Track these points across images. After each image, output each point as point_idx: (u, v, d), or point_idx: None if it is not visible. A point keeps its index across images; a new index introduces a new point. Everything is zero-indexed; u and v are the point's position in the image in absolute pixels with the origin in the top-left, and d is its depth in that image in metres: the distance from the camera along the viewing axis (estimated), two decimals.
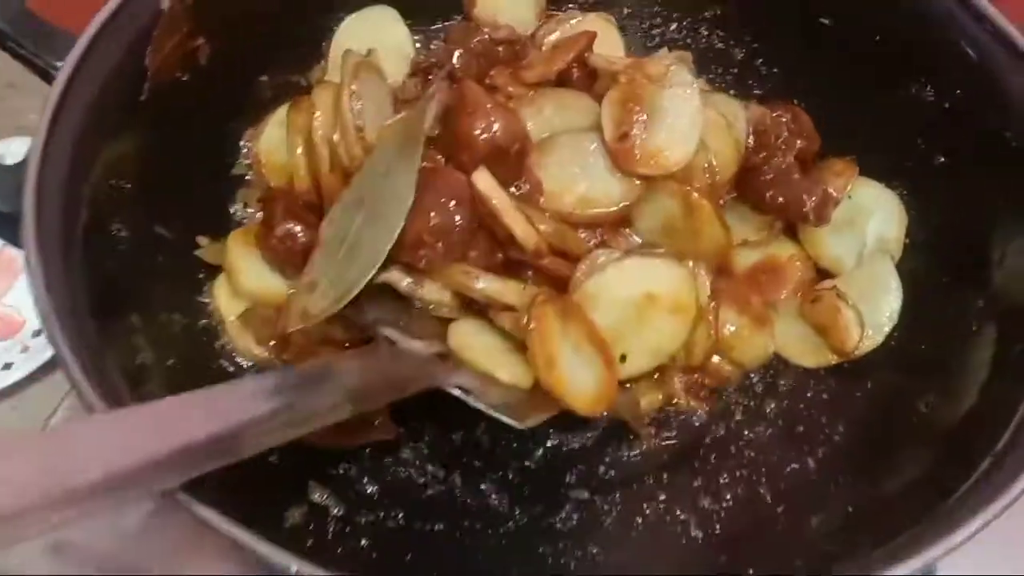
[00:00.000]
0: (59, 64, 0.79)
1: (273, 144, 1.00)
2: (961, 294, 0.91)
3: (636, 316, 0.84)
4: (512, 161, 0.89)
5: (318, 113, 0.93)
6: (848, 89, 1.05)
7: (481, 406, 0.82)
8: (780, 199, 0.97)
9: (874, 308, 0.94)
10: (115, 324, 0.77)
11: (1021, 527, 0.88)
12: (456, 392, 0.82)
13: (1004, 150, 0.89)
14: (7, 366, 1.12)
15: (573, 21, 1.10)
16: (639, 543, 0.86)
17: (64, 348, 0.66)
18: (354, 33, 1.06)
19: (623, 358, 0.84)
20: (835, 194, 0.98)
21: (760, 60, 1.15)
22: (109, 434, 0.58)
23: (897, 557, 0.61)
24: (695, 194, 0.88)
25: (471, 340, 0.84)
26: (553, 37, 1.09)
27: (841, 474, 0.86)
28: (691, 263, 0.89)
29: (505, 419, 0.82)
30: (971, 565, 0.87)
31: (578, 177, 0.90)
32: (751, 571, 0.77)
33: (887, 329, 0.93)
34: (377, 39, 1.05)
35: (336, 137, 0.91)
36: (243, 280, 0.93)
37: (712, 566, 0.82)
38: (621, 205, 0.90)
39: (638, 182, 0.89)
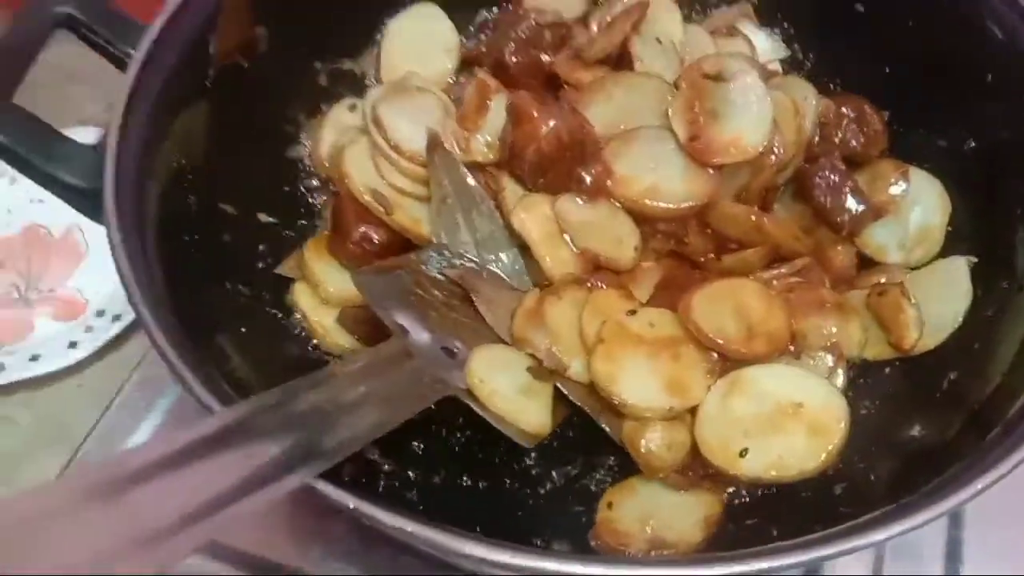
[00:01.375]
0: (132, 51, 0.85)
1: (331, 150, 1.03)
2: (989, 277, 0.93)
3: (775, 418, 0.84)
4: (577, 155, 0.96)
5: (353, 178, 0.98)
6: (891, 78, 1.07)
7: (488, 417, 0.82)
8: (822, 200, 0.98)
9: (940, 309, 0.93)
10: (188, 297, 0.81)
11: None
12: (468, 401, 0.82)
13: None
14: (72, 344, 1.18)
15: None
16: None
17: (154, 328, 0.71)
18: (401, 34, 1.12)
19: (744, 452, 0.83)
20: (877, 212, 0.99)
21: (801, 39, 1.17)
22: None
23: (915, 509, 0.64)
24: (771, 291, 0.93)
25: (493, 373, 0.85)
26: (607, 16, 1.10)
27: (865, 447, 0.87)
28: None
29: (509, 434, 0.83)
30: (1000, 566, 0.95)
31: (651, 170, 0.95)
32: (775, 531, 0.79)
33: (948, 332, 0.92)
34: (422, 37, 1.11)
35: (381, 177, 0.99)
36: (329, 290, 0.97)
37: (741, 527, 0.86)
38: (688, 204, 0.95)
39: (706, 183, 0.95)
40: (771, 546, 0.65)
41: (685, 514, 0.87)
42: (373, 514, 0.62)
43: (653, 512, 0.88)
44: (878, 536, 0.65)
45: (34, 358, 1.19)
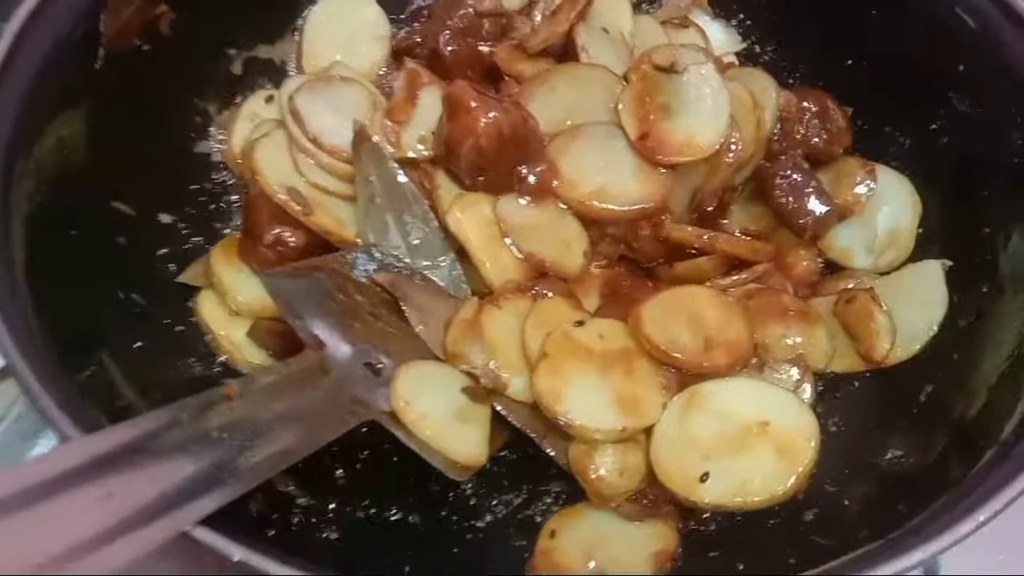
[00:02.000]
0: (2, 25, 0.75)
1: (244, 144, 0.95)
2: (966, 281, 0.87)
3: (739, 438, 0.77)
4: (519, 151, 0.88)
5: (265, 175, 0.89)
6: (854, 71, 1.02)
7: (414, 445, 0.75)
8: (783, 202, 0.93)
9: (913, 317, 0.88)
10: (68, 307, 0.72)
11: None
12: (390, 428, 0.75)
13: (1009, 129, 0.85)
14: None
15: None
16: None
17: (5, 336, 0.61)
18: (325, 20, 1.04)
19: (705, 476, 0.76)
20: (842, 213, 0.94)
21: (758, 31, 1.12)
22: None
23: (897, 550, 0.56)
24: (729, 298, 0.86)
25: (422, 394, 0.77)
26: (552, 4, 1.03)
27: (836, 468, 0.81)
28: None
29: (437, 465, 0.76)
30: (975, 565, 0.86)
31: (601, 169, 0.89)
32: (741, 567, 0.73)
33: (923, 342, 0.87)
34: (349, 24, 1.04)
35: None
36: (238, 299, 0.89)
37: (703, 560, 0.78)
38: (639, 207, 0.88)
39: (658, 184, 0.88)
40: None
41: (635, 547, 0.79)
42: (263, 568, 0.51)
43: (600, 544, 0.80)
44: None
45: None
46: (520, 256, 0.88)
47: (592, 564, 0.78)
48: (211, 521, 0.55)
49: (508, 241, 0.88)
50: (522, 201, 0.89)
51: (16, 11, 0.75)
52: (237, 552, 0.51)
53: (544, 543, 0.80)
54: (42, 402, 0.57)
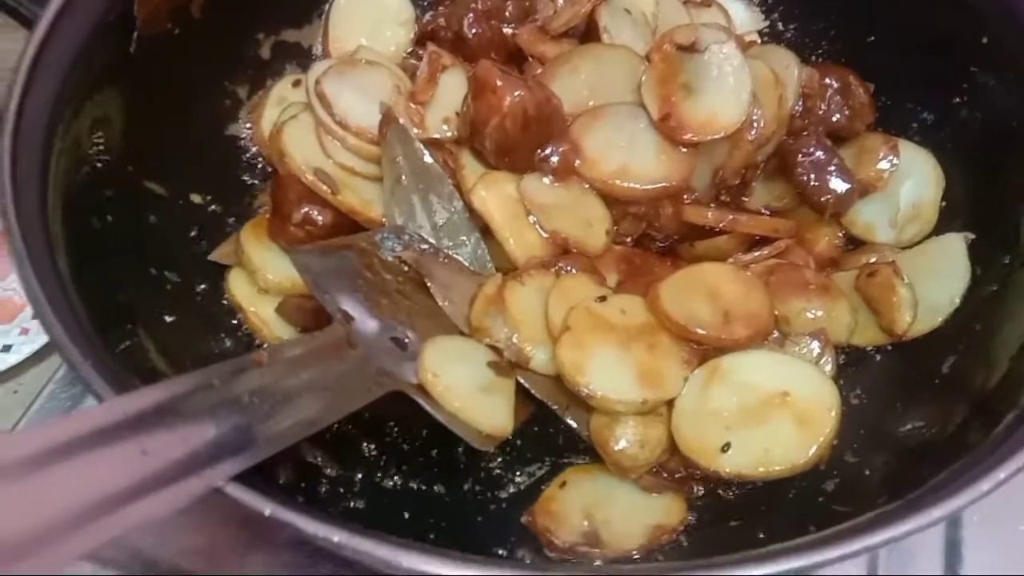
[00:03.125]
0: (40, 11, 0.77)
1: (274, 127, 0.96)
2: (988, 253, 0.87)
3: (760, 409, 0.78)
4: (543, 130, 0.89)
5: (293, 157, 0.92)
6: (877, 47, 1.02)
7: (440, 417, 0.76)
8: (804, 180, 0.93)
9: (936, 290, 0.88)
10: (103, 282, 0.74)
11: None
12: (417, 398, 0.76)
13: None
14: (6, 348, 1.11)
15: None
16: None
17: (45, 306, 0.63)
18: (351, 4, 1.06)
19: (726, 447, 0.77)
20: (864, 189, 0.94)
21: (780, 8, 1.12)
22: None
23: (916, 508, 0.56)
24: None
25: (448, 367, 0.78)
26: None
27: (858, 439, 0.81)
28: None
29: (464, 436, 0.77)
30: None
31: (622, 149, 0.90)
32: (761, 535, 0.73)
33: (945, 315, 0.87)
34: (374, 9, 1.05)
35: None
36: (268, 277, 0.91)
37: (722, 529, 0.79)
38: (662, 185, 0.89)
39: (681, 162, 0.89)
40: (757, 551, 0.57)
41: (636, 515, 0.81)
42: (291, 521, 0.54)
43: (603, 504, 0.82)
44: (875, 539, 0.57)
45: None
46: (544, 234, 0.89)
47: (585, 523, 0.80)
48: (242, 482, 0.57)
49: (532, 219, 0.89)
50: (546, 180, 0.90)
51: None
52: (267, 507, 0.53)
53: (550, 491, 0.82)
54: (83, 371, 0.59)
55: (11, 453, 0.47)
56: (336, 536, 0.53)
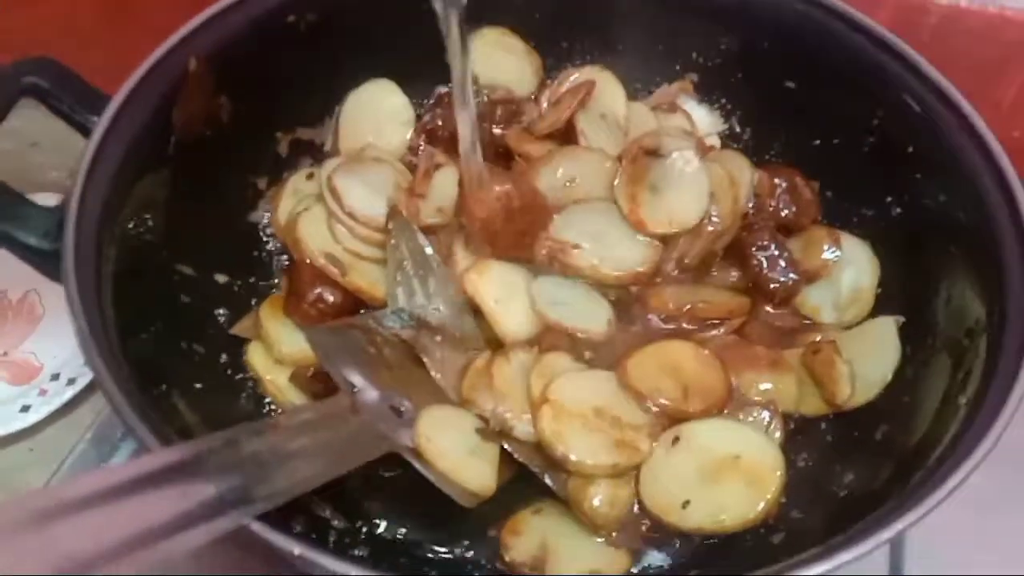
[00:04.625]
0: (95, 119, 0.88)
1: (288, 216, 1.06)
2: (915, 334, 0.97)
3: (715, 471, 0.86)
4: (528, 220, 1.01)
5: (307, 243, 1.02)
6: (821, 149, 1.12)
7: (430, 476, 0.83)
8: (757, 269, 1.03)
9: (871, 367, 0.96)
10: (143, 353, 0.83)
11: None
12: (410, 459, 0.83)
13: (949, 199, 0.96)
14: (25, 408, 1.17)
15: (573, 77, 1.18)
16: None
17: (105, 376, 0.73)
18: (358, 107, 1.16)
19: (686, 503, 0.86)
20: (811, 277, 1.04)
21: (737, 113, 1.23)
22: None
23: (852, 541, 0.67)
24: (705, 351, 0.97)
25: (440, 433, 0.86)
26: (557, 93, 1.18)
27: (803, 498, 0.90)
28: None
29: (450, 493, 0.84)
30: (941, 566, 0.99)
31: (601, 239, 1.02)
32: None
33: (878, 389, 0.95)
34: (378, 111, 1.15)
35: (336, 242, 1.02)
36: (283, 349, 0.98)
37: None
38: (632, 271, 1.02)
39: (650, 251, 1.02)
40: None
41: (582, 555, 0.90)
42: (318, 560, 0.63)
43: (560, 537, 0.91)
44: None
45: None
46: (550, 321, 0.98)
47: (538, 549, 0.89)
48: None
49: (540, 308, 0.98)
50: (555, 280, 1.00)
51: (106, 108, 0.88)
52: (297, 547, 0.63)
53: (523, 513, 0.92)
54: (131, 422, 0.69)
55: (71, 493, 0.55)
56: (353, 571, 0.62)
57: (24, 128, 1.44)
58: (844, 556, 0.67)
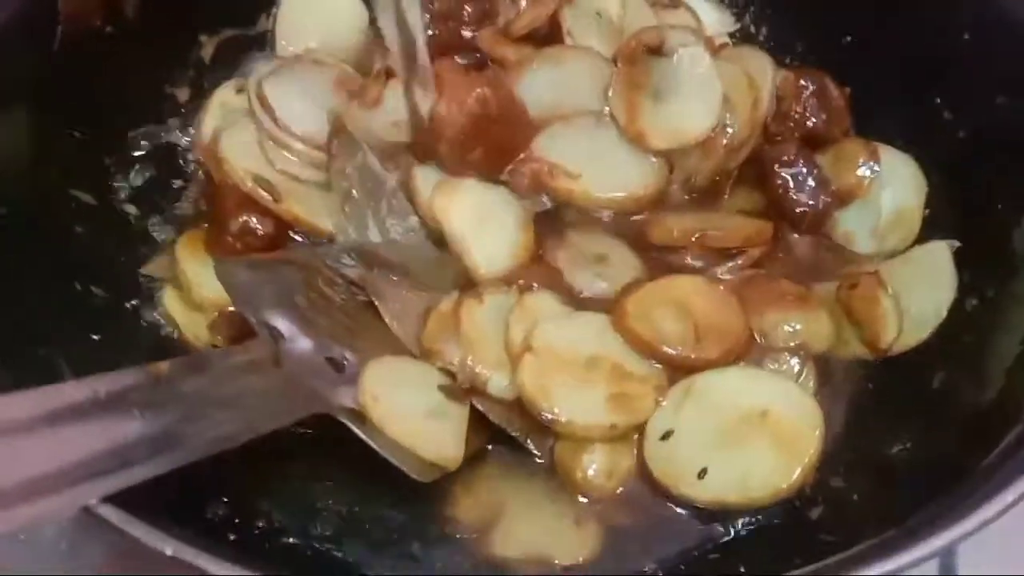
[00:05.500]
0: None
1: (214, 135, 0.93)
2: (976, 260, 0.84)
3: (737, 431, 0.75)
4: (507, 130, 0.89)
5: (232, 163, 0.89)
6: (853, 48, 1.00)
7: (375, 445, 0.72)
8: (781, 191, 0.92)
9: (921, 301, 0.84)
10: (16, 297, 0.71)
11: None
12: (348, 423, 0.72)
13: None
14: None
15: None
16: None
17: None
18: (299, 5, 1.03)
19: (703, 472, 0.74)
20: (843, 199, 0.92)
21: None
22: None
23: (912, 539, 0.52)
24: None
25: (392, 389, 0.75)
26: None
27: (843, 462, 0.78)
28: None
29: (402, 466, 0.73)
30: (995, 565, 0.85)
31: (592, 159, 0.90)
32: (742, 569, 0.69)
33: (932, 326, 0.83)
34: (325, 10, 1.02)
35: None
36: (204, 292, 0.87)
37: (703, 563, 0.75)
38: (629, 195, 0.90)
39: (651, 170, 0.90)
40: None
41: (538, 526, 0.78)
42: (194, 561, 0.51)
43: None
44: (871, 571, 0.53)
45: None
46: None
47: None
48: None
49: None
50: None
51: None
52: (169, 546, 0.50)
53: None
54: None
55: None
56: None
57: None
58: (905, 557, 0.52)
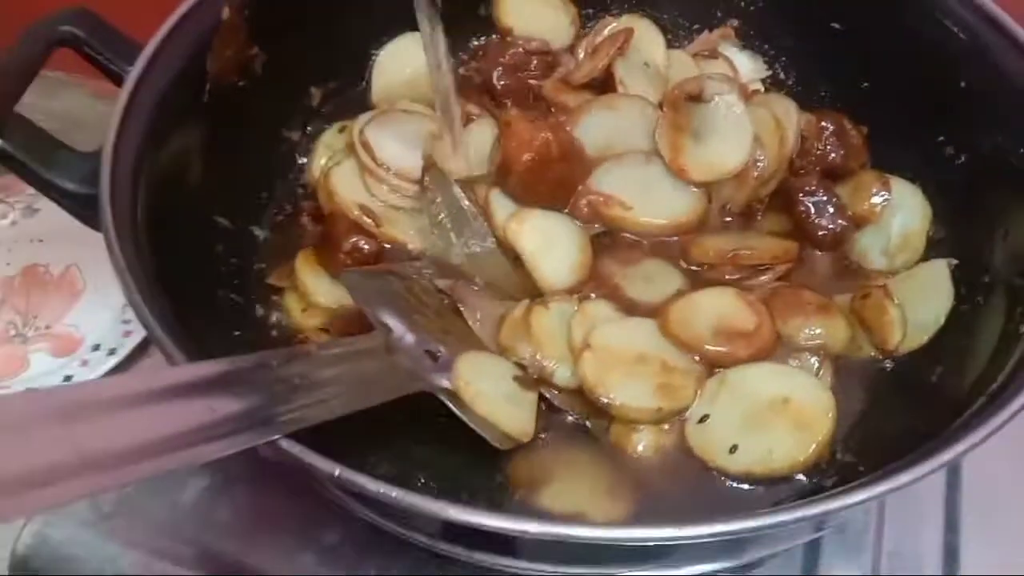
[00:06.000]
0: (129, 69, 0.88)
1: (324, 172, 1.06)
2: (970, 274, 0.94)
3: (763, 415, 0.85)
4: (567, 169, 1.01)
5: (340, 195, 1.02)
6: (869, 92, 1.10)
7: (465, 418, 0.82)
8: (805, 215, 1.02)
9: (923, 310, 0.94)
10: (180, 298, 0.82)
11: None
12: (446, 400, 0.82)
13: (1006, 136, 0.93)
14: (67, 379, 1.20)
15: (610, 26, 1.17)
16: None
17: (142, 307, 0.73)
18: (393, 61, 1.16)
19: (734, 448, 0.84)
20: (859, 223, 1.02)
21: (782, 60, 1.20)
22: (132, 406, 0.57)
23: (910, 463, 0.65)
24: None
25: (479, 377, 0.85)
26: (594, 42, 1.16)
27: (855, 442, 0.88)
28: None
29: (486, 436, 0.83)
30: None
31: (642, 190, 1.01)
32: None
33: (931, 332, 0.93)
34: (413, 63, 1.13)
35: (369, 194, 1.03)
36: (319, 299, 0.98)
37: None
38: (675, 221, 1.01)
39: (693, 199, 1.01)
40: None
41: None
42: (356, 480, 0.63)
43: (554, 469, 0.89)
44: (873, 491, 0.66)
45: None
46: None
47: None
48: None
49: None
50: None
51: (139, 56, 0.88)
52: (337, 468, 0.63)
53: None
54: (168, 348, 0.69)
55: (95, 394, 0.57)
56: (393, 492, 0.62)
57: (66, 109, 1.48)
58: (903, 478, 0.65)
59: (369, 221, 1.01)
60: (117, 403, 0.55)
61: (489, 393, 0.85)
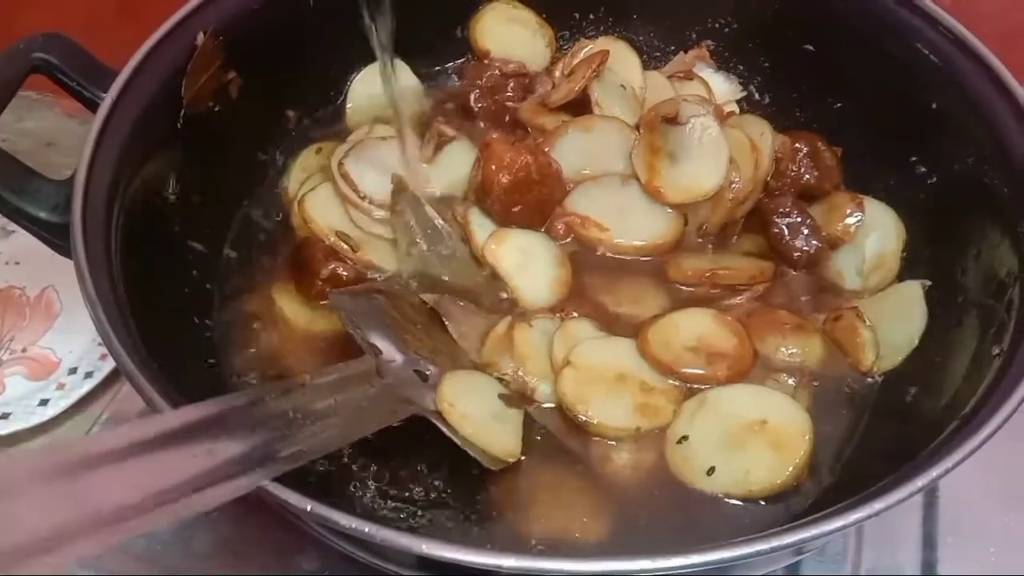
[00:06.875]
0: (103, 95, 0.87)
1: (300, 198, 1.06)
2: (944, 296, 0.95)
3: (741, 436, 0.85)
4: (546, 190, 1.02)
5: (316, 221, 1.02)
6: (843, 113, 1.11)
7: (456, 439, 0.82)
8: (779, 236, 1.02)
9: (897, 331, 0.94)
10: (154, 327, 0.82)
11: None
12: (436, 422, 0.83)
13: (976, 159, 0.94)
14: (43, 402, 1.17)
15: (586, 48, 1.18)
16: None
17: (116, 344, 0.72)
18: (366, 86, 1.16)
19: (711, 470, 0.84)
20: (833, 244, 1.03)
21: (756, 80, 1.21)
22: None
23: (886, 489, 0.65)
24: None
25: (464, 398, 0.85)
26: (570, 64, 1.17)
27: (835, 462, 0.89)
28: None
29: (476, 456, 0.83)
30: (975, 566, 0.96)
31: (619, 211, 1.03)
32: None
33: (905, 352, 0.93)
34: None
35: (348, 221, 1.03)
36: (299, 325, 0.99)
37: None
38: (653, 243, 1.02)
39: (669, 221, 1.02)
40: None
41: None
42: (329, 516, 0.62)
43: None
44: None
45: (3, 416, 1.17)
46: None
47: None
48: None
49: None
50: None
51: (113, 82, 0.88)
52: (308, 504, 0.62)
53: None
54: (143, 388, 0.68)
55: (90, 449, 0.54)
56: (366, 527, 0.61)
57: (39, 128, 1.46)
58: (877, 505, 0.64)
59: (346, 247, 1.01)
60: (121, 454, 0.54)
61: (474, 415, 0.85)
